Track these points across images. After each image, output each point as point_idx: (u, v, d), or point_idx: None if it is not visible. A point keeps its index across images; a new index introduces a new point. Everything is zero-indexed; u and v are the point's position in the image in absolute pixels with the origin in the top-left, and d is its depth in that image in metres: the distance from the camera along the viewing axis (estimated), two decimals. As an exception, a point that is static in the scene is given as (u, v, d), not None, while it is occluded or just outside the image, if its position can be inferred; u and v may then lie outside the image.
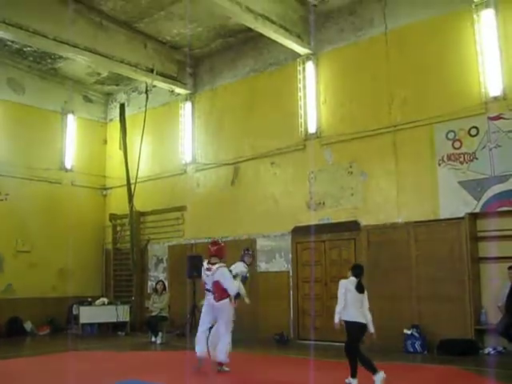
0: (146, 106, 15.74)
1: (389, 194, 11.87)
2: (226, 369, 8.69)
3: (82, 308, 14.95)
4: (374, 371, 7.28)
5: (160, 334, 12.95)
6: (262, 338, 12.77)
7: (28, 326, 15.32)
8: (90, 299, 15.53)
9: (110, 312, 15.17)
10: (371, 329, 7.81)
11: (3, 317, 14.47)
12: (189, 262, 13.21)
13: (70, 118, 17.63)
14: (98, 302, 15.46)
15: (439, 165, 11.19)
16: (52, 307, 15.72)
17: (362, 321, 7.73)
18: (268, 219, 13.81)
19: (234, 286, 8.77)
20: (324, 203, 12.87)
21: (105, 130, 18.79)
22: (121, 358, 11.06)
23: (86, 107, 18.27)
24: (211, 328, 9.03)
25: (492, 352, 10.01)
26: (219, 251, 9.00)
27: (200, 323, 9.10)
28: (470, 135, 10.85)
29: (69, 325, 15.64)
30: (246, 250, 10.77)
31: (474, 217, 10.68)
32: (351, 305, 7.73)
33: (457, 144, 11.00)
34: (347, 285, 7.88)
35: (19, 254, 15.71)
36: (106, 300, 15.69)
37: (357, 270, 8.06)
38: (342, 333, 12.06)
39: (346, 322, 7.70)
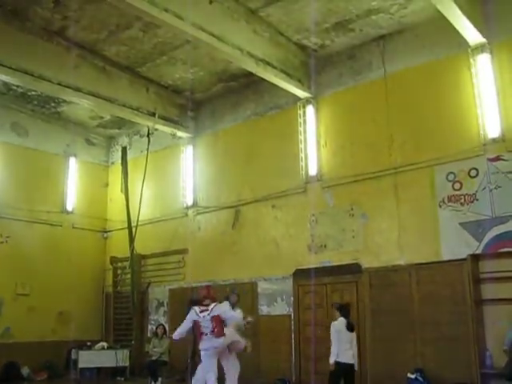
0: (147, 149, 15.84)
1: (390, 235, 11.85)
2: None
3: (80, 352, 14.74)
4: None
5: (160, 379, 12.72)
6: (263, 382, 12.55)
7: (25, 371, 15.01)
8: (89, 343, 15.31)
9: (109, 356, 14.94)
10: (356, 366, 8.18)
11: (0, 361, 14.22)
12: (190, 306, 13.06)
13: (72, 161, 17.77)
14: (97, 346, 15.25)
15: (440, 206, 11.20)
16: (50, 351, 15.48)
17: (351, 361, 7.96)
18: (269, 262, 13.75)
19: (236, 314, 8.84)
20: (325, 246, 12.83)
21: (106, 173, 18.89)
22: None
23: (88, 150, 18.42)
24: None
25: (499, 398, 9.80)
26: (212, 295, 9.16)
27: (199, 374, 9.02)
28: (470, 176, 10.89)
29: (67, 370, 15.38)
30: (232, 290, 10.78)
31: (475, 258, 10.59)
32: (343, 345, 7.91)
33: (457, 185, 11.03)
34: (338, 326, 8.03)
35: (18, 297, 15.56)
36: (105, 344, 15.47)
37: (345, 310, 8.26)
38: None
39: (339, 363, 7.88)
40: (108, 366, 15.06)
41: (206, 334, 8.79)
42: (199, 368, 9.17)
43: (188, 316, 9.08)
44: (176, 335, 9.36)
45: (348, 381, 8.01)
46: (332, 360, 7.83)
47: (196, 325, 8.94)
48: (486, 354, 10.16)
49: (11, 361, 14.77)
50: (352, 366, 8.00)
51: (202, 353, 9.01)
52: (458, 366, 10.32)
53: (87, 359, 14.74)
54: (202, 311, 8.86)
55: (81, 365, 14.60)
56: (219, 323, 8.71)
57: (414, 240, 11.47)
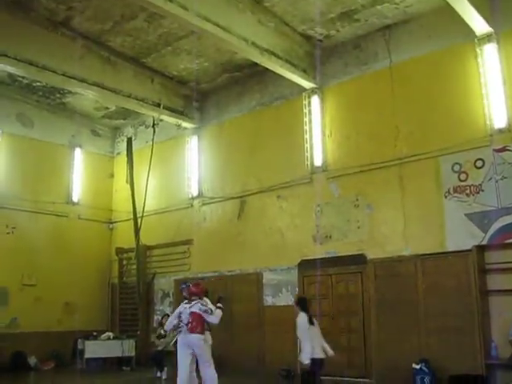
0: (152, 140, 15.85)
1: (395, 226, 11.83)
2: None
3: (87, 342, 14.82)
4: None
5: (165, 369, 12.77)
6: (268, 373, 12.57)
7: (32, 360, 15.16)
8: (95, 333, 15.38)
9: (115, 346, 15.03)
10: (330, 351, 7.97)
11: (7, 351, 14.34)
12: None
13: (78, 151, 17.81)
14: (103, 336, 15.32)
15: (445, 197, 11.17)
16: (57, 341, 15.58)
17: (323, 355, 7.81)
18: (274, 253, 13.76)
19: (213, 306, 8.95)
20: (330, 236, 12.83)
21: (112, 164, 18.92)
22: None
23: (94, 141, 18.45)
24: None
25: (504, 388, 9.82)
26: (200, 292, 9.22)
27: (179, 370, 8.97)
28: (476, 167, 10.85)
29: (74, 359, 15.48)
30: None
31: (481, 249, 10.57)
32: (314, 340, 7.74)
33: (463, 176, 10.99)
34: (303, 321, 7.85)
35: (25, 287, 15.66)
36: (111, 334, 15.56)
37: (304, 304, 8.10)
38: (350, 368, 11.98)
39: (313, 360, 7.67)
40: (114, 356, 15.14)
41: (183, 327, 8.91)
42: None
43: (177, 309, 9.23)
44: (167, 326, 9.53)
45: (318, 374, 7.88)
46: (308, 359, 7.67)
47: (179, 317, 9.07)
48: (492, 344, 10.15)
49: (18, 350, 14.91)
50: (323, 360, 7.83)
51: (178, 344, 9.12)
52: (463, 357, 10.32)
53: (93, 349, 14.82)
54: (186, 303, 9.07)
55: (87, 355, 14.67)
56: (196, 319, 8.79)
57: (420, 231, 11.45)
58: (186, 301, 9.09)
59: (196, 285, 9.43)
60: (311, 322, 7.77)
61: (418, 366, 10.61)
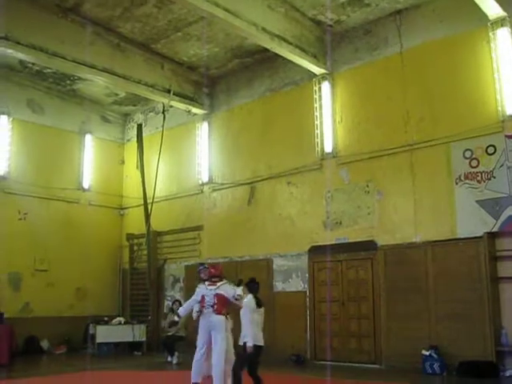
0: (163, 126, 15.88)
1: (406, 213, 11.80)
2: None
3: (98, 327, 14.96)
4: None
5: (176, 353, 12.88)
6: (278, 358, 12.63)
7: (45, 344, 15.36)
8: (106, 318, 15.55)
9: (126, 331, 15.17)
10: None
11: (20, 335, 14.47)
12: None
13: (88, 138, 17.82)
14: (114, 321, 15.48)
15: (456, 184, 11.11)
16: (69, 326, 15.75)
17: (262, 344, 7.59)
18: (284, 239, 13.78)
19: (235, 295, 8.65)
20: (341, 223, 12.82)
21: (122, 150, 18.95)
22: (136, 378, 11.04)
23: (104, 127, 18.47)
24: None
25: (513, 374, 9.82)
26: (220, 273, 9.09)
27: (198, 347, 8.87)
28: (488, 154, 10.77)
29: (85, 344, 15.64)
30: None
31: (492, 236, 10.52)
32: (257, 326, 7.55)
33: (474, 163, 10.92)
34: (250, 304, 7.64)
35: (37, 272, 15.80)
36: (122, 319, 15.72)
37: (253, 286, 7.83)
38: (360, 353, 12.03)
39: (255, 347, 7.44)
40: (125, 341, 15.28)
41: (207, 308, 8.86)
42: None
43: (197, 290, 9.12)
44: (182, 311, 9.48)
45: (257, 364, 7.63)
46: (251, 342, 7.45)
47: (202, 299, 9.00)
48: (502, 331, 10.15)
49: (31, 335, 15.10)
50: (262, 347, 7.59)
51: (199, 326, 8.98)
52: (473, 344, 10.33)
53: (105, 334, 14.95)
54: (210, 285, 8.93)
55: (98, 339, 14.82)
56: (221, 301, 8.69)
57: (430, 217, 11.42)
58: (208, 282, 8.97)
59: (215, 266, 9.37)
60: (258, 306, 7.56)
61: (427, 353, 10.65)
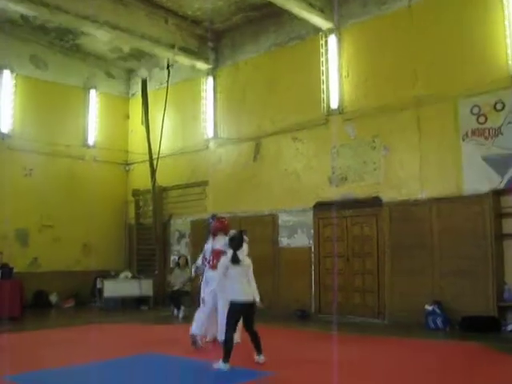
0: (167, 81, 15.74)
1: (411, 169, 11.76)
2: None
3: (105, 282, 15.18)
4: (225, 357, 7.00)
5: (182, 307, 13.06)
6: (283, 313, 12.84)
7: (53, 298, 15.61)
8: (113, 273, 15.76)
9: (133, 286, 15.37)
10: (257, 298, 7.40)
11: (29, 290, 14.68)
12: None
13: (93, 93, 17.66)
14: (121, 276, 15.69)
15: (463, 140, 11.02)
16: (76, 281, 15.98)
17: (244, 298, 7.24)
18: (290, 194, 13.80)
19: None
20: (346, 179, 12.80)
21: (127, 106, 18.82)
22: (142, 331, 11.24)
23: (109, 83, 18.28)
24: None
25: (515, 329, 9.95)
26: (224, 227, 9.01)
27: (201, 303, 8.84)
28: (496, 110, 10.63)
29: (93, 298, 15.90)
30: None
31: (498, 193, 10.51)
32: (235, 281, 7.26)
33: (481, 119, 10.80)
34: (224, 260, 7.39)
35: (44, 228, 15.93)
36: (129, 274, 15.91)
37: (233, 242, 7.44)
38: (364, 308, 12.18)
39: (234, 303, 7.23)
40: (132, 296, 15.48)
41: (207, 264, 8.88)
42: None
43: (205, 247, 9.14)
44: (193, 272, 9.52)
45: (248, 319, 7.34)
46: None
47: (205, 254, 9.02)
48: (505, 287, 10.27)
49: (40, 289, 15.34)
50: (252, 304, 7.29)
51: (202, 281, 9.02)
52: (476, 299, 10.44)
53: (112, 288, 15.15)
54: (212, 239, 8.94)
55: (106, 294, 15.05)
56: (217, 256, 8.45)
57: (436, 174, 11.39)
58: (212, 237, 8.97)
59: (219, 220, 9.26)
60: (234, 261, 7.23)
61: (430, 308, 10.77)
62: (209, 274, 8.78)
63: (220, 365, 6.98)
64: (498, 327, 10.00)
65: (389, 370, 7.13)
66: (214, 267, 8.51)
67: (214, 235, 9.02)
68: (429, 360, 7.76)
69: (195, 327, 8.56)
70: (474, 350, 8.56)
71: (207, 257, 8.94)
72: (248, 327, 7.35)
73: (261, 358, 7.26)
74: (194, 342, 8.53)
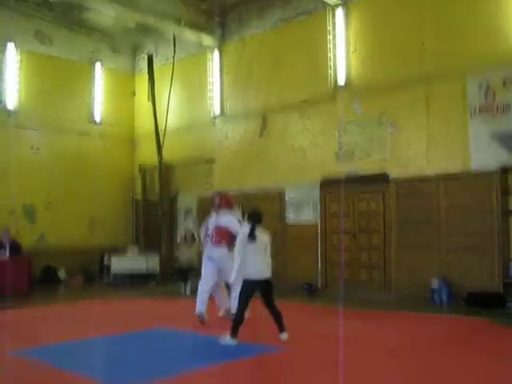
0: (173, 57, 15.67)
1: (418, 145, 11.73)
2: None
3: (113, 258, 15.30)
4: (233, 332, 7.05)
5: (189, 281, 13.15)
6: (290, 288, 12.90)
7: (62, 274, 15.71)
8: (120, 249, 15.86)
9: (140, 262, 15.47)
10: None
11: (37, 266, 14.79)
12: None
13: (98, 69, 17.56)
14: (128, 252, 15.78)
15: (471, 117, 10.95)
16: (84, 257, 16.07)
17: (256, 276, 7.15)
18: (296, 170, 13.81)
19: (237, 227, 8.38)
20: (353, 155, 12.78)
21: (133, 82, 18.73)
22: (150, 306, 11.37)
23: (114, 58, 18.18)
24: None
25: (520, 305, 10.01)
26: (227, 203, 9.05)
27: (201, 282, 8.89)
28: (504, 86, 10.55)
29: (101, 274, 16.02)
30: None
31: (505, 170, 10.50)
32: (248, 258, 7.12)
33: (490, 95, 10.72)
34: (244, 236, 7.22)
35: (51, 205, 16.02)
36: (136, 250, 16.00)
37: (252, 218, 7.33)
38: (370, 283, 12.26)
39: (248, 281, 7.14)
40: (139, 271, 15.57)
41: (209, 238, 8.90)
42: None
43: (208, 220, 9.18)
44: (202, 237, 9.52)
45: (266, 296, 7.26)
46: (232, 278, 7.27)
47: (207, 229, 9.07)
48: (510, 264, 10.30)
49: (48, 265, 15.47)
50: (268, 281, 7.22)
51: (204, 256, 9.08)
52: (481, 275, 10.51)
53: (119, 264, 15.29)
54: (215, 215, 8.95)
55: (113, 270, 15.21)
56: (220, 233, 8.66)
57: (443, 150, 11.36)
58: (215, 212, 8.99)
59: (223, 196, 9.27)
60: (251, 238, 7.11)
61: (436, 283, 10.84)
62: (211, 249, 8.86)
63: (227, 340, 7.06)
64: (503, 304, 10.04)
65: (395, 343, 7.22)
66: (216, 242, 8.69)
67: (219, 211, 9.04)
68: (435, 334, 7.86)
69: (198, 306, 8.68)
70: (479, 324, 8.67)
71: (209, 228, 8.98)
72: (268, 304, 7.33)
73: (284, 336, 7.22)
74: (201, 320, 8.65)
